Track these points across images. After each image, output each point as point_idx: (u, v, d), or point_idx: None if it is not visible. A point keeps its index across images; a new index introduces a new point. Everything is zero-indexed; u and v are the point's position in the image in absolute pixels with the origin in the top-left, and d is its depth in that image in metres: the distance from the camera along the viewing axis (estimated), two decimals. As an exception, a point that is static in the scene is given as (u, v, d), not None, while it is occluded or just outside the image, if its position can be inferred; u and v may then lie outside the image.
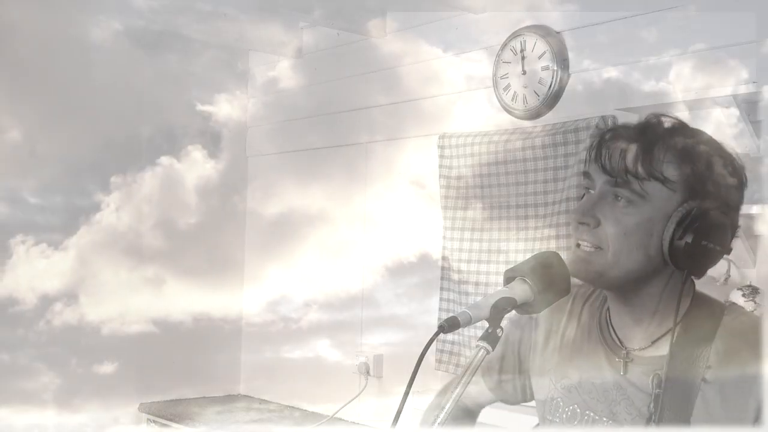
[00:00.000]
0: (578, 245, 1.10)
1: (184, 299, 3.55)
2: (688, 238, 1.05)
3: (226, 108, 3.72)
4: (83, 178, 3.43)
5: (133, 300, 3.44)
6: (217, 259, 3.69)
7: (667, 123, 1.11)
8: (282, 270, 3.59)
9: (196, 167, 3.63)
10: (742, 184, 1.11)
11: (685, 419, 1.05)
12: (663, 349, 1.09)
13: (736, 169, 1.10)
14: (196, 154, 3.62)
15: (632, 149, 1.06)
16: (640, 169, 1.05)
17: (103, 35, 3.34)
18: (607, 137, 1.10)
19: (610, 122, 2.31)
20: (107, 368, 3.40)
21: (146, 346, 3.45)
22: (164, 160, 3.53)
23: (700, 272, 1.11)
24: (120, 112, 3.36)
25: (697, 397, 1.05)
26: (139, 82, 3.40)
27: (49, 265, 3.30)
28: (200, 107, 3.63)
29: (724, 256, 2.15)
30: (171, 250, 3.54)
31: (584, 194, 1.13)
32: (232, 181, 3.76)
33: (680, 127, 1.11)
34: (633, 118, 2.29)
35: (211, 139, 3.70)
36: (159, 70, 3.50)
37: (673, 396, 1.06)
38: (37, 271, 3.28)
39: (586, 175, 1.12)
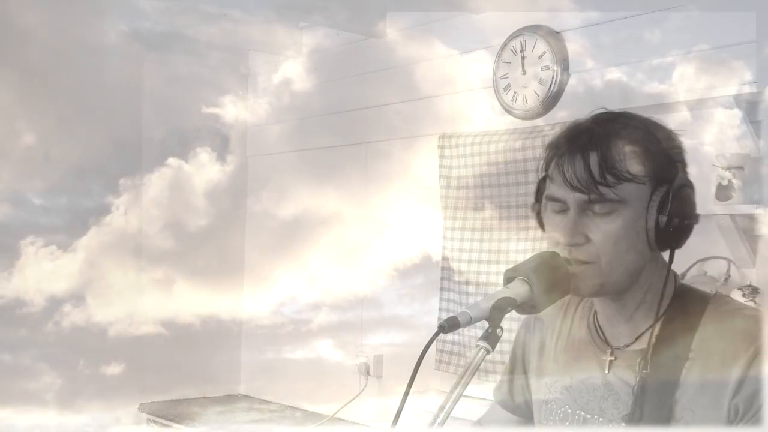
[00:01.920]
0: (569, 263, 1.09)
1: (191, 301, 3.56)
2: (669, 222, 1.07)
3: (232, 110, 3.73)
4: (92, 180, 3.44)
5: (140, 302, 3.45)
6: (223, 261, 3.70)
7: (608, 117, 1.11)
8: (285, 271, 3.60)
9: (204, 169, 3.64)
10: (683, 149, 1.13)
11: (667, 410, 1.05)
12: (646, 342, 1.11)
13: (672, 137, 1.12)
14: (204, 156, 3.63)
15: (593, 158, 1.06)
16: (609, 178, 1.06)
17: (110, 38, 3.35)
18: (560, 151, 1.10)
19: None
20: (114, 369, 3.42)
21: (149, 346, 3.45)
22: (172, 162, 3.54)
23: (680, 246, 1.13)
24: (127, 114, 3.37)
25: (678, 388, 1.06)
26: (146, 85, 3.41)
27: (57, 267, 3.32)
28: (206, 109, 3.64)
29: (724, 256, 2.16)
30: (179, 251, 3.55)
31: (558, 211, 1.11)
32: (240, 183, 3.77)
33: (621, 118, 1.12)
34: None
35: (219, 141, 3.71)
36: (164, 72, 3.52)
37: (653, 388, 1.07)
38: (45, 272, 3.29)
39: (551, 198, 1.11)
